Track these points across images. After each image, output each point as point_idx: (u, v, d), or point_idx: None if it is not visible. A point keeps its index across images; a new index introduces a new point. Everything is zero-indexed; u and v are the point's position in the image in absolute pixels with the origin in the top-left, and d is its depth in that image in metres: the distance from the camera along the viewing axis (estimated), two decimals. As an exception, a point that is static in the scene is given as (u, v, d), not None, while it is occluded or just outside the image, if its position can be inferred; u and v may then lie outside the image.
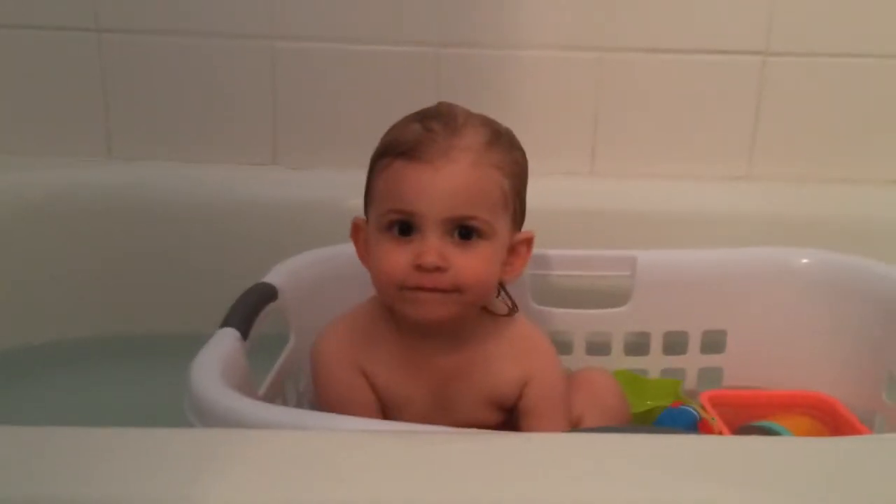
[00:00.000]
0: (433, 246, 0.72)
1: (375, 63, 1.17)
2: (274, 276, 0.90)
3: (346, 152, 1.19)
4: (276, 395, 0.85)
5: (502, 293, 0.83)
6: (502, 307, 0.82)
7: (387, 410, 0.80)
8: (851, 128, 1.21)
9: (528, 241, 0.80)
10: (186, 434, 0.61)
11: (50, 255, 1.15)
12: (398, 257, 0.73)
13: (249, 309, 0.82)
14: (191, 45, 1.17)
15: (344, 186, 1.12)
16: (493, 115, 0.80)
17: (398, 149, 0.74)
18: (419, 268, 0.72)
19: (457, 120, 0.75)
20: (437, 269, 0.72)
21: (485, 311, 0.80)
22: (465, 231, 0.74)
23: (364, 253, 0.80)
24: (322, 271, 0.96)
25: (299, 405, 0.90)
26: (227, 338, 0.77)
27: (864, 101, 1.20)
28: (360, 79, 1.18)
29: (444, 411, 0.80)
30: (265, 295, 0.86)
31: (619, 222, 1.14)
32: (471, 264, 0.73)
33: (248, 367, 0.78)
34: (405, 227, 0.74)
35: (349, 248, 0.96)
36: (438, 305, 0.74)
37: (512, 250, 0.78)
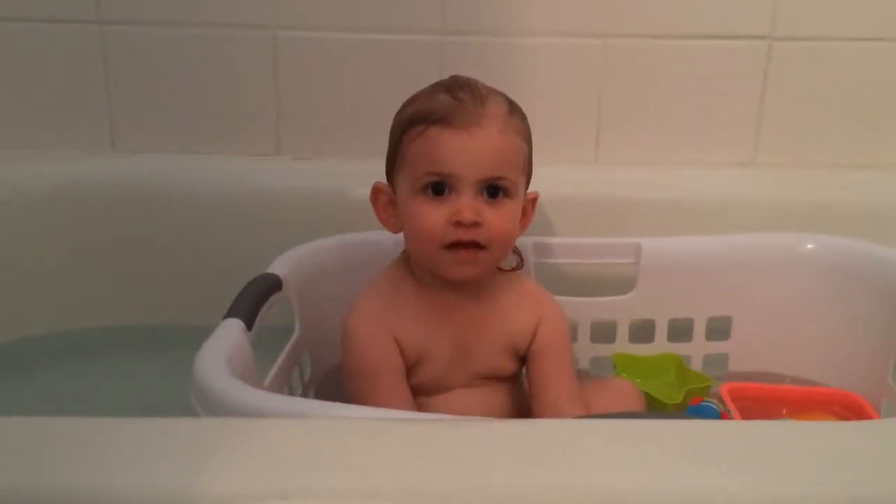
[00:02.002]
0: (469, 203, 0.79)
1: (379, 52, 1.17)
2: (278, 267, 0.90)
3: (350, 142, 1.19)
4: (281, 385, 0.85)
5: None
6: (511, 262, 0.90)
7: (410, 367, 0.85)
8: (857, 113, 1.21)
9: (534, 201, 0.88)
10: (191, 423, 0.61)
11: (54, 247, 1.15)
12: (435, 215, 0.80)
13: (254, 299, 0.83)
14: (193, 36, 1.17)
15: (348, 176, 1.14)
16: (496, 103, 0.81)
17: (432, 116, 0.80)
18: (458, 223, 0.79)
19: (480, 91, 0.82)
20: (474, 223, 0.79)
21: (497, 267, 0.88)
22: (493, 190, 0.81)
23: (385, 215, 0.86)
24: (327, 261, 0.96)
25: (305, 395, 0.91)
26: (232, 328, 0.77)
27: (870, 86, 1.19)
28: (364, 68, 1.18)
29: (465, 361, 0.86)
30: (270, 285, 0.86)
31: (623, 210, 1.14)
32: (499, 219, 0.81)
33: (253, 358, 0.78)
34: (439, 188, 0.80)
35: (354, 238, 0.97)
36: (473, 266, 0.81)
37: (522, 209, 0.85)
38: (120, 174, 1.18)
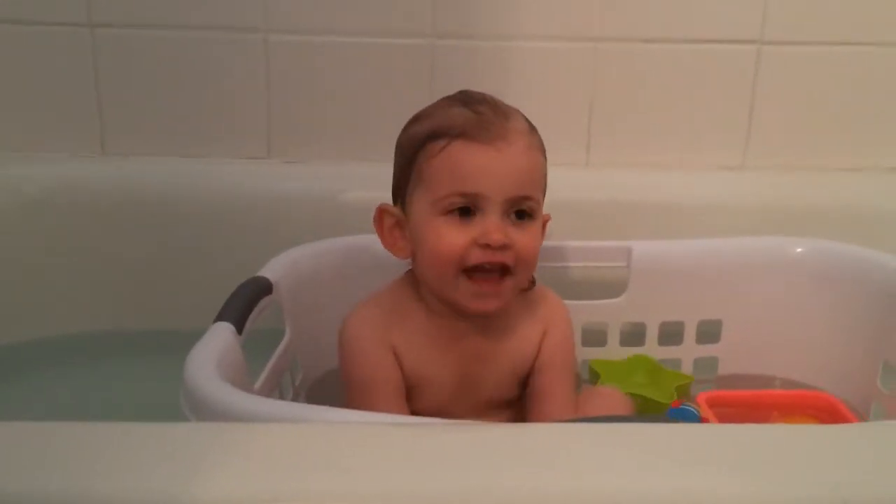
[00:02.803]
0: (497, 224, 0.75)
1: (370, 55, 1.17)
2: (269, 270, 0.89)
3: (342, 145, 1.19)
4: (271, 390, 0.85)
5: None
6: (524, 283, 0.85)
7: (411, 390, 0.81)
8: (846, 116, 1.21)
9: (546, 223, 0.83)
10: (181, 428, 0.61)
11: (44, 251, 1.14)
12: (458, 237, 0.75)
13: (244, 303, 0.82)
14: (184, 39, 1.17)
15: (339, 179, 1.14)
16: (487, 107, 0.80)
17: (454, 130, 0.76)
18: (486, 246, 0.74)
19: (500, 105, 0.79)
20: (503, 246, 0.74)
21: None
22: (519, 212, 0.77)
23: (392, 239, 0.81)
24: (317, 265, 0.95)
25: (295, 399, 0.90)
26: (223, 332, 0.77)
27: (860, 90, 1.20)
28: (355, 71, 1.18)
29: (468, 391, 0.82)
30: (260, 289, 0.86)
31: (614, 213, 1.14)
32: (528, 240, 0.77)
33: (244, 362, 0.78)
34: (465, 211, 0.75)
35: (345, 242, 0.97)
36: (495, 298, 0.76)
37: None
38: (110, 177, 1.17)
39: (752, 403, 0.94)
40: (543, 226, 0.82)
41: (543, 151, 0.80)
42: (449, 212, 0.76)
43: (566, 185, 1.15)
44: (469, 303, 0.77)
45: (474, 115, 0.76)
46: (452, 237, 0.75)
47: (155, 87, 1.19)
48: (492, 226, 0.75)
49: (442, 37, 1.17)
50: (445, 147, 0.76)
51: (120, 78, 1.18)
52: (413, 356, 0.81)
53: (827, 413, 0.91)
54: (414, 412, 0.82)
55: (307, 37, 1.17)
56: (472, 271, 0.76)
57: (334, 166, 1.18)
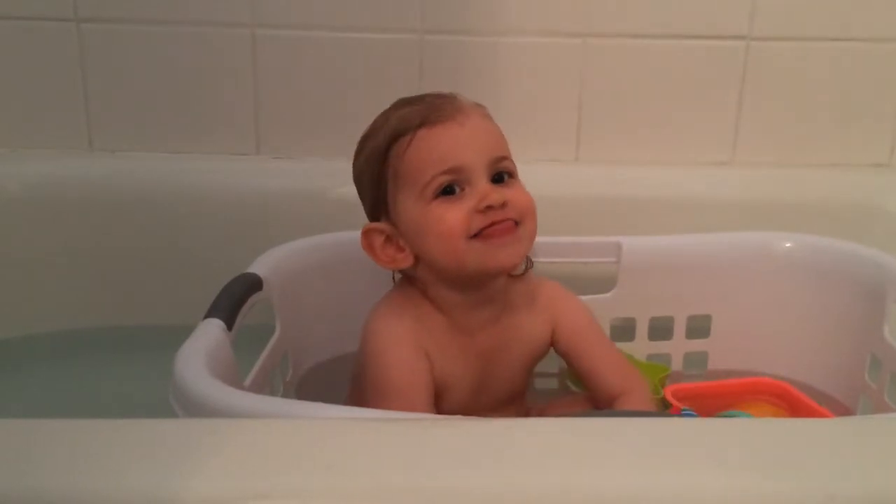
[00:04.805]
0: (490, 188, 0.76)
1: (358, 50, 1.17)
2: (259, 267, 0.89)
3: (330, 141, 1.19)
4: (262, 386, 0.84)
5: None
6: (519, 267, 0.85)
7: (439, 392, 0.81)
8: (835, 112, 1.22)
9: None
10: (171, 424, 0.61)
11: (30, 248, 1.14)
12: (457, 212, 0.76)
13: (234, 299, 0.82)
14: (171, 34, 1.16)
15: (328, 175, 1.14)
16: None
17: (412, 123, 0.77)
18: (488, 209, 0.75)
19: (440, 93, 0.80)
20: (503, 203, 0.76)
21: (509, 275, 0.84)
22: (499, 176, 0.78)
23: (388, 257, 0.80)
24: (307, 261, 0.95)
25: (285, 395, 0.90)
26: (212, 328, 0.77)
27: (848, 86, 1.21)
28: (343, 67, 1.17)
29: (485, 388, 0.84)
30: (250, 285, 0.86)
31: (603, 209, 1.14)
32: (520, 195, 0.78)
33: (234, 358, 0.77)
34: (451, 189, 0.76)
35: (334, 238, 0.97)
36: (516, 245, 0.77)
37: None
38: (97, 174, 1.17)
39: (713, 393, 0.94)
40: None
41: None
42: (436, 194, 0.76)
43: (556, 180, 1.17)
44: (491, 261, 0.77)
45: (423, 107, 0.78)
46: (452, 213, 0.76)
47: (142, 82, 1.18)
48: (485, 191, 0.76)
49: (431, 32, 1.16)
50: (412, 139, 0.77)
51: (107, 73, 1.18)
52: (441, 358, 0.81)
53: (781, 399, 0.93)
54: (440, 413, 0.81)
55: (295, 32, 1.17)
56: (482, 233, 0.76)
57: (323, 162, 1.18)
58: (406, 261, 0.80)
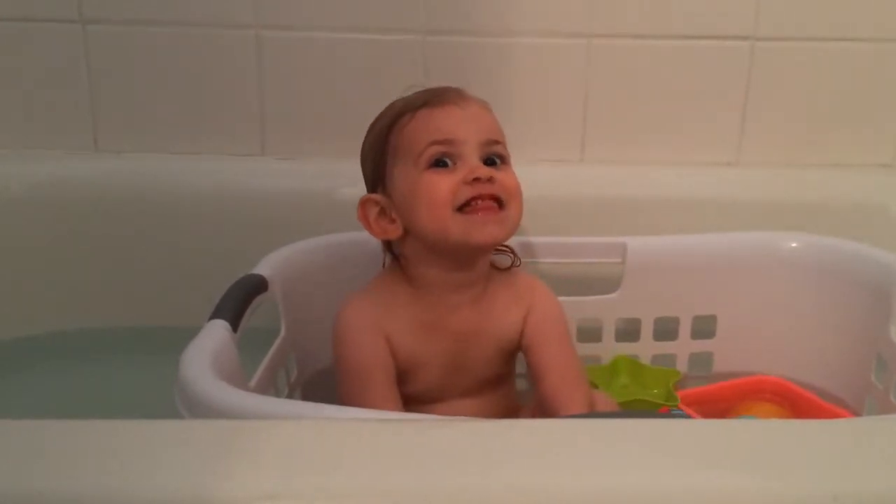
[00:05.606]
0: (479, 164, 0.80)
1: (363, 52, 1.17)
2: (264, 268, 0.89)
3: (335, 142, 1.19)
4: (267, 387, 0.84)
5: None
6: (506, 262, 0.89)
7: (404, 374, 0.84)
8: (840, 112, 1.21)
9: None
10: (176, 426, 0.61)
11: (36, 249, 1.14)
12: (446, 181, 0.79)
13: (239, 300, 0.82)
14: (177, 35, 1.16)
15: (333, 176, 1.14)
16: (481, 103, 0.81)
17: (416, 104, 0.82)
18: (475, 181, 0.78)
19: (446, 87, 0.84)
20: (490, 178, 0.79)
21: (493, 266, 0.88)
22: (490, 160, 0.82)
23: (380, 227, 0.84)
24: (312, 262, 0.95)
25: (290, 396, 0.90)
26: (217, 329, 0.77)
27: (853, 86, 1.20)
28: (348, 67, 1.17)
29: (459, 371, 0.86)
30: (255, 286, 0.86)
31: (608, 209, 1.14)
32: (509, 178, 0.81)
33: (239, 359, 0.77)
34: (443, 162, 0.80)
35: (339, 238, 0.97)
36: (498, 225, 0.80)
37: None
38: (103, 175, 1.17)
39: (716, 398, 0.95)
40: None
41: None
42: (429, 165, 0.80)
43: (560, 181, 1.17)
44: (472, 236, 0.79)
45: (428, 93, 0.83)
46: (442, 182, 0.79)
47: (148, 83, 1.18)
48: (473, 165, 0.79)
49: (434, 33, 1.16)
50: (413, 116, 0.82)
51: (112, 75, 1.18)
52: (405, 341, 0.83)
53: (783, 397, 0.93)
54: (406, 396, 0.84)
55: (299, 33, 1.17)
56: (467, 207, 0.79)
57: (328, 163, 1.18)
58: (395, 231, 0.83)
